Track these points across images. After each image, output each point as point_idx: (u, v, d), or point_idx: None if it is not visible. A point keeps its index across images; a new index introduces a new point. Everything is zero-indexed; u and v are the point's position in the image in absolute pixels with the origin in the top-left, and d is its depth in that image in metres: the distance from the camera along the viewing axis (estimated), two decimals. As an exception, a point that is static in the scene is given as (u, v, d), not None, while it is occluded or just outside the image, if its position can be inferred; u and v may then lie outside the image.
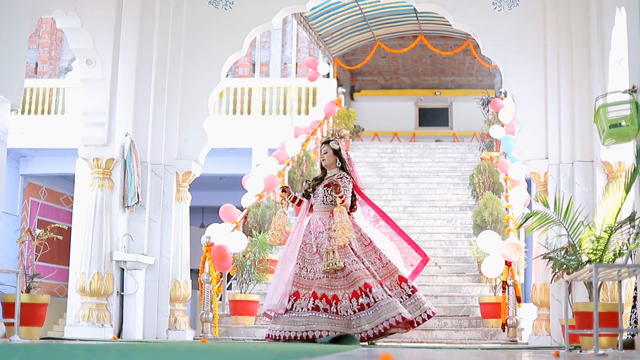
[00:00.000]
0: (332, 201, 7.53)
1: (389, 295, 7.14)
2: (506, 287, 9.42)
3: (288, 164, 13.54)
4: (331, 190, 7.48)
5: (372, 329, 6.98)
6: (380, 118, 23.05)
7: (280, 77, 19.17)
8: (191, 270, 9.97)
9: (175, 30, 9.79)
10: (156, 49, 9.66)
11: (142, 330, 9.19)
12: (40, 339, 7.35)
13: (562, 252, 7.53)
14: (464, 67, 23.72)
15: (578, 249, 6.95)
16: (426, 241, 12.70)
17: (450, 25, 16.23)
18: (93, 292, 8.84)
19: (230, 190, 17.23)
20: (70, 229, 11.18)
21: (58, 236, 9.07)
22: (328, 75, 17.75)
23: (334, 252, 7.18)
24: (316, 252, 7.39)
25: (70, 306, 9.31)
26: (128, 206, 9.20)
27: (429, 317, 7.36)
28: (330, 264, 7.17)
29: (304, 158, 13.98)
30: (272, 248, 10.84)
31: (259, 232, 10.91)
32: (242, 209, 11.73)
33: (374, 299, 7.05)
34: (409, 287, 7.38)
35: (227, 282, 10.79)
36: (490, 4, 9.61)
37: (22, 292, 7.94)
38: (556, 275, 8.51)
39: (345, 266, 7.17)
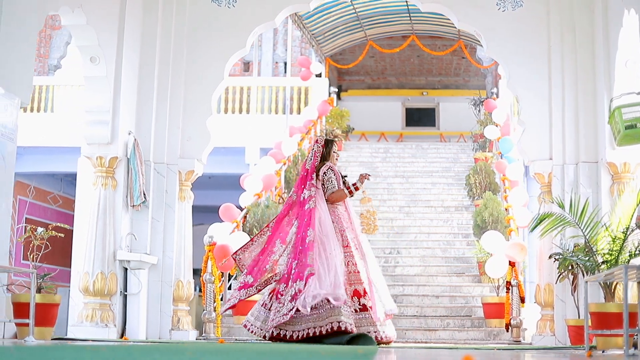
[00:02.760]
0: None
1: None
2: (510, 287, 9.43)
3: (284, 164, 13.48)
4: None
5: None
6: (367, 118, 23.00)
7: (272, 76, 19.09)
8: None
9: (177, 28, 9.71)
10: (159, 47, 9.59)
11: (145, 330, 9.11)
12: (52, 339, 7.26)
13: (571, 253, 7.55)
14: (452, 68, 23.78)
15: (594, 250, 6.96)
16: (424, 241, 12.73)
17: (443, 25, 16.49)
18: (96, 291, 8.74)
19: (219, 189, 17.15)
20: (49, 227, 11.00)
21: (60, 234, 8.97)
22: (320, 75, 17.70)
23: None
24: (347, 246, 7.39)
25: (72, 306, 9.20)
26: (134, 205, 9.12)
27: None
28: None
29: (300, 157, 13.93)
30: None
31: (261, 232, 10.82)
32: (241, 208, 11.67)
33: None
34: None
35: (227, 281, 10.72)
36: (494, 4, 9.62)
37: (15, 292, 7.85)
38: (562, 276, 8.55)
39: None
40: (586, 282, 6.19)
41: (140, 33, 9.48)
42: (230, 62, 9.86)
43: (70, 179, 19.78)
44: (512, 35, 9.56)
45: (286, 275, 7.25)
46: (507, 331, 9.44)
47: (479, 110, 17.70)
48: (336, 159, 7.79)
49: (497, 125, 14.82)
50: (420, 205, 14.25)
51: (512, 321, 9.34)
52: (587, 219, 7.15)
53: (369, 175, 7.73)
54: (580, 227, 7.15)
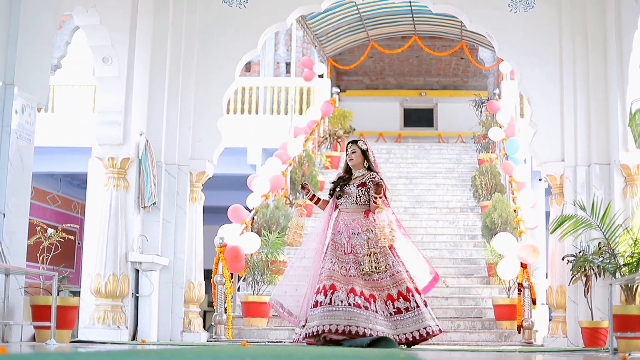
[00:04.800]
0: (366, 201, 7.44)
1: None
2: (522, 289, 9.42)
3: (290, 164, 13.44)
4: (366, 190, 7.40)
5: (412, 332, 6.98)
6: (365, 118, 22.96)
7: (273, 76, 19.03)
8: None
9: (188, 29, 9.66)
10: (170, 47, 9.54)
11: (157, 332, 9.05)
12: (70, 342, 7.21)
13: (592, 255, 7.54)
14: (450, 68, 23.79)
15: (615, 252, 6.96)
16: (430, 242, 12.72)
17: (445, 26, 16.49)
18: (108, 293, 8.68)
19: (220, 189, 17.10)
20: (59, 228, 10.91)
21: (70, 236, 8.91)
22: (322, 75, 17.66)
23: (376, 254, 7.14)
24: (350, 253, 7.30)
25: (82, 308, 9.13)
26: (145, 207, 9.07)
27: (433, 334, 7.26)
28: (372, 268, 7.14)
29: (305, 158, 13.90)
30: (283, 249, 10.77)
31: (269, 233, 10.81)
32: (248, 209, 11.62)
33: (416, 303, 7.08)
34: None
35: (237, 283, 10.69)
36: (505, 5, 9.61)
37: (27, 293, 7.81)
38: (574, 278, 8.55)
39: (387, 268, 7.17)
40: (610, 284, 6.18)
41: (152, 33, 9.43)
42: (242, 63, 9.82)
43: (69, 179, 19.71)
44: (523, 37, 9.55)
45: None
46: (519, 333, 9.43)
47: (481, 111, 17.71)
48: (349, 160, 7.62)
49: (501, 127, 14.81)
50: (426, 207, 14.24)
51: (523, 323, 9.33)
52: (608, 222, 7.14)
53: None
54: (601, 230, 7.15)
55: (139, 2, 9.13)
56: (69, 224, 9.31)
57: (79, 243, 18.46)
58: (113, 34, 8.78)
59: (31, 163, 7.07)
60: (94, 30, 8.64)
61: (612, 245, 7.16)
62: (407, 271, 7.34)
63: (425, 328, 7.10)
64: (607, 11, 9.08)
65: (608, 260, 7.18)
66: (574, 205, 8.01)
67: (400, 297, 7.12)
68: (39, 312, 6.81)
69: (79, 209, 20.37)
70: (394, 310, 7.06)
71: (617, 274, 7.12)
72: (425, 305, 7.28)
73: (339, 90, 17.86)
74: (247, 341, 9.37)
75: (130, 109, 9.04)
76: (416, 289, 7.27)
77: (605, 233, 7.19)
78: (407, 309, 7.09)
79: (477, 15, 9.71)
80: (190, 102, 9.61)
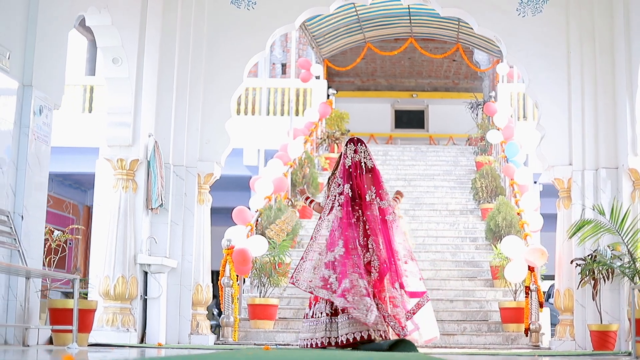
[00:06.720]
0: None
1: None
2: (529, 292, 9.45)
3: (291, 166, 13.41)
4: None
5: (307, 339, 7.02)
6: (356, 120, 22.93)
7: (269, 77, 18.98)
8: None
9: (196, 30, 9.63)
10: (178, 48, 9.50)
11: (165, 334, 9.00)
12: (89, 345, 7.15)
13: (609, 259, 7.57)
14: (442, 70, 23.84)
15: (634, 256, 7.00)
16: (432, 244, 12.75)
17: (442, 28, 16.51)
18: (117, 296, 8.63)
19: (216, 190, 17.01)
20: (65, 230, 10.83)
21: (77, 236, 8.85)
22: (318, 77, 17.64)
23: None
24: None
25: (89, 310, 9.06)
26: (152, 208, 9.02)
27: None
28: None
29: (306, 160, 13.88)
30: (289, 251, 10.74)
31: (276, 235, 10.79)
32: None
33: (312, 313, 7.08)
34: None
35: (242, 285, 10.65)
36: (514, 10, 9.65)
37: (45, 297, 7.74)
38: (583, 281, 8.59)
39: None
40: (633, 289, 6.21)
41: (160, 34, 9.38)
42: (250, 64, 9.82)
43: (61, 179, 19.52)
44: (531, 41, 9.58)
45: None
46: (526, 336, 9.46)
47: (477, 114, 17.75)
48: None
49: (498, 129, 14.85)
50: (425, 209, 14.25)
51: (531, 326, 9.35)
52: (627, 226, 7.18)
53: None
54: (620, 235, 7.18)
55: (149, 2, 9.09)
56: (75, 226, 9.26)
57: (70, 244, 18.35)
58: (123, 35, 8.72)
59: (48, 164, 7.00)
60: (105, 31, 8.58)
61: (630, 250, 7.19)
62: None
63: (311, 339, 6.98)
64: (615, 16, 9.12)
65: (628, 265, 7.21)
66: (593, 209, 8.03)
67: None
68: (57, 315, 6.74)
69: (70, 209, 20.22)
70: (305, 314, 7.18)
71: (636, 278, 7.16)
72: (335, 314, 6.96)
73: (335, 92, 17.83)
74: (254, 344, 9.37)
75: (139, 110, 8.99)
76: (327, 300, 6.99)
77: (624, 237, 7.22)
78: (305, 315, 7.14)
79: (485, 19, 9.74)
80: (199, 104, 9.58)
